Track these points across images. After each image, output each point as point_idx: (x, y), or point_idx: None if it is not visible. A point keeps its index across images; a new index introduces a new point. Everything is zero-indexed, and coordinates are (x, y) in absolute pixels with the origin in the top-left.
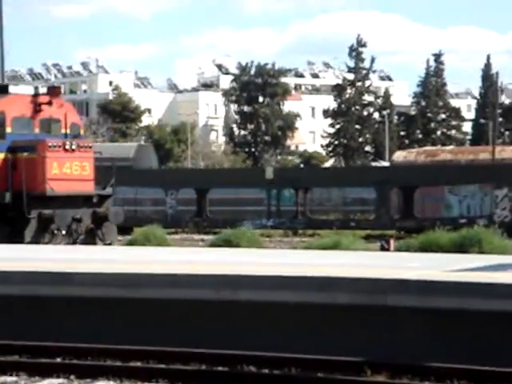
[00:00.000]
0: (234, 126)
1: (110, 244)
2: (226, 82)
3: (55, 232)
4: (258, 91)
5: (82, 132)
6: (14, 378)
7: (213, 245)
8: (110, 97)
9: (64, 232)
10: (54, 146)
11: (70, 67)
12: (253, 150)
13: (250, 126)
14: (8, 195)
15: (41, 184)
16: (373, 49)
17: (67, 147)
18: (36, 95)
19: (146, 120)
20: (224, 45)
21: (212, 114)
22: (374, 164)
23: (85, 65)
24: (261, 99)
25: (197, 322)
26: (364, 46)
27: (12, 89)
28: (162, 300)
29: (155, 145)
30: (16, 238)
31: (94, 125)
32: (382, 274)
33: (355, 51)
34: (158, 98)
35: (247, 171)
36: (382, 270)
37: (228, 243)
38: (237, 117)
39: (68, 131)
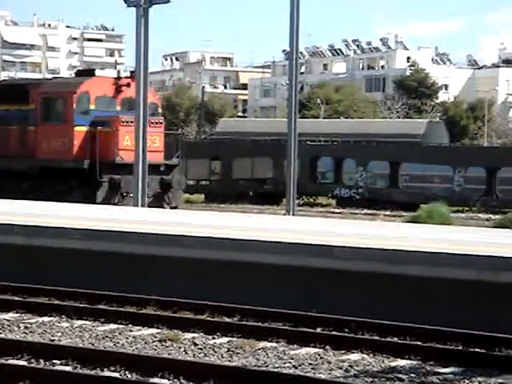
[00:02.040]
0: None
1: (175, 207)
2: None
3: (124, 194)
4: None
5: (159, 110)
6: (273, 344)
7: (498, 225)
8: (407, 73)
9: (132, 195)
10: (127, 122)
11: (369, 43)
12: None
13: None
14: (86, 162)
15: (112, 153)
16: None
17: None
18: (118, 78)
19: (442, 96)
20: None
21: None
22: None
23: (383, 41)
24: None
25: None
26: None
27: (97, 72)
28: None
29: (450, 121)
30: (90, 198)
31: (388, 100)
32: None
33: None
34: (456, 75)
35: None
36: None
37: None
38: None
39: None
